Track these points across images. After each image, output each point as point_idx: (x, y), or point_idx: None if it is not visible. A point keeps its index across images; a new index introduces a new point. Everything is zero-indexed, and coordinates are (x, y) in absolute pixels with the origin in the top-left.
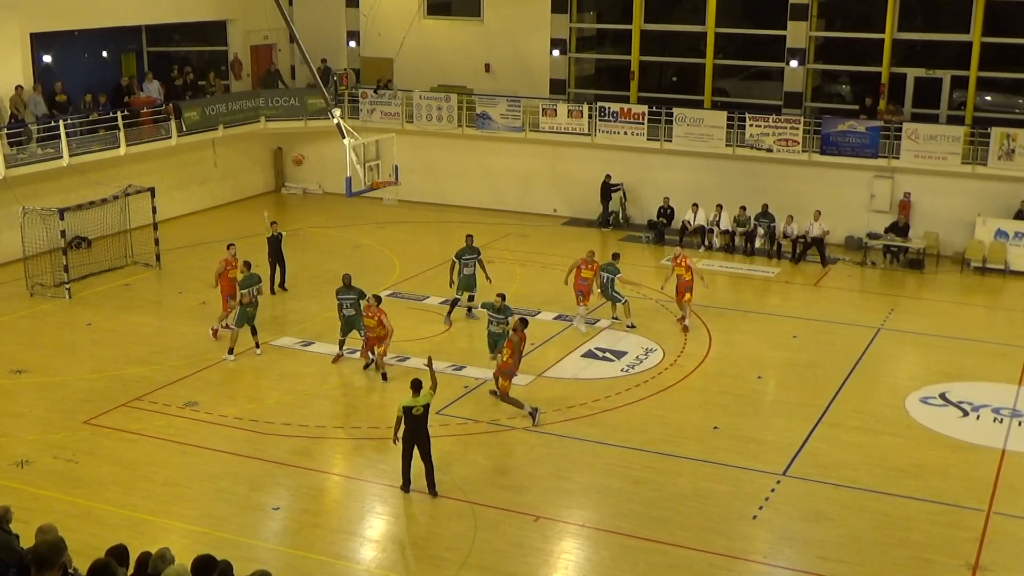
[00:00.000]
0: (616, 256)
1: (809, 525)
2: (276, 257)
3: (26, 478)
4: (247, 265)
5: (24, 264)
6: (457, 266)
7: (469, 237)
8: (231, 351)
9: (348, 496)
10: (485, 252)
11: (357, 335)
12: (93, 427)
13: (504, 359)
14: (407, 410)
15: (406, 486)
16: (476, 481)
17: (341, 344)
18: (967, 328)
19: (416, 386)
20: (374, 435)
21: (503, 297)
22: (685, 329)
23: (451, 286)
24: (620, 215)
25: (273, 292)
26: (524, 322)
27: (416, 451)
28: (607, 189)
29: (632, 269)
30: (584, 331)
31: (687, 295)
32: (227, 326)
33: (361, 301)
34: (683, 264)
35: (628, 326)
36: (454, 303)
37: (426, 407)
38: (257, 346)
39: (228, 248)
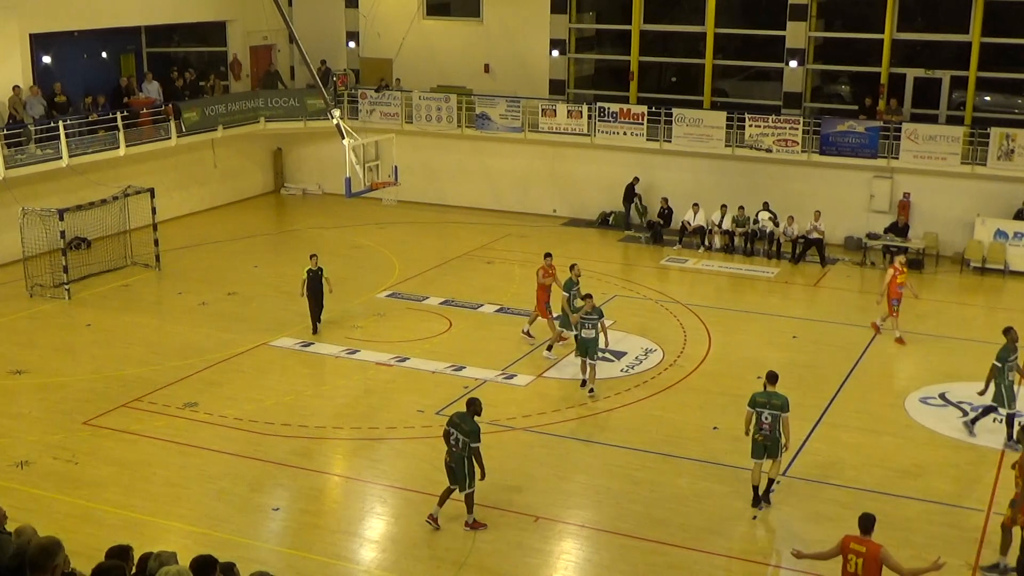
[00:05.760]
0: None
1: (809, 525)
2: (315, 294)
3: (26, 479)
4: (572, 268)
5: (24, 265)
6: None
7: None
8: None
9: (348, 496)
10: (485, 253)
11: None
12: (93, 428)
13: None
14: None
15: None
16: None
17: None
18: (967, 328)
19: None
20: (374, 435)
21: None
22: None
23: (994, 399)
24: (627, 218)
25: (315, 332)
26: None
27: None
28: (631, 192)
29: (631, 269)
30: None
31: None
32: (534, 337)
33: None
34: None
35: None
36: (988, 410)
37: None
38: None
39: (545, 257)
